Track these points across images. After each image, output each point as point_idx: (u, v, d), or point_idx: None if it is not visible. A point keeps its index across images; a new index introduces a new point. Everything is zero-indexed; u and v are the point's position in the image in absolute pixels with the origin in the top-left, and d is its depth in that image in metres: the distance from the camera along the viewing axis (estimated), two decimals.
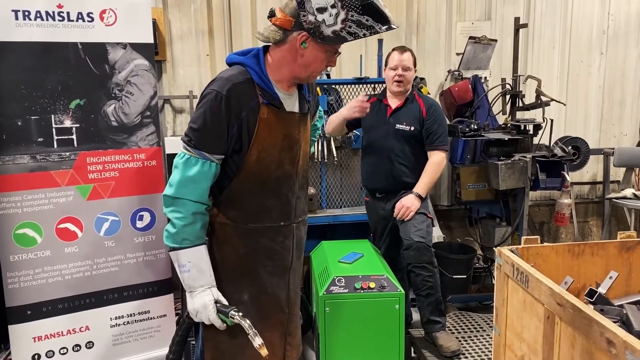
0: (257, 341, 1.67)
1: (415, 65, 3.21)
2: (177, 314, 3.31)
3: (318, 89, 3.89)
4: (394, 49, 3.22)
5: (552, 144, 3.74)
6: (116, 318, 3.04)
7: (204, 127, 1.76)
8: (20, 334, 2.85)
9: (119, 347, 2.97)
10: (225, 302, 1.80)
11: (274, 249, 1.93)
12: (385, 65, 3.25)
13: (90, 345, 3.00)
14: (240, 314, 1.73)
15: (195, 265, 1.78)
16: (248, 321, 1.70)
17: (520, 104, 3.87)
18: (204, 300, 1.77)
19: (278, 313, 1.98)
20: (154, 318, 3.14)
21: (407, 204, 3.06)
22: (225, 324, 1.78)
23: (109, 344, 2.97)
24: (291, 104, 1.92)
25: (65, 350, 2.96)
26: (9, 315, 2.84)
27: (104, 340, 2.98)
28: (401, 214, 3.06)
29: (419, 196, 3.08)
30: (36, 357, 2.89)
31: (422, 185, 3.12)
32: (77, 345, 2.97)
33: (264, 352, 1.66)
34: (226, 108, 1.74)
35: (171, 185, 1.77)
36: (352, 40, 1.79)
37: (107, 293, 3.02)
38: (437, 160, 3.15)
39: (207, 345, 1.92)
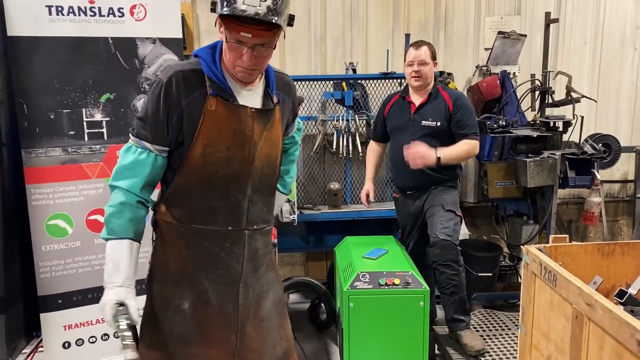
0: (127, 355, 1.55)
1: (434, 58, 3.15)
2: None
3: (344, 84, 3.88)
4: (410, 45, 3.18)
5: (582, 141, 3.66)
6: (144, 309, 3.09)
7: (144, 115, 1.67)
8: (52, 322, 2.93)
9: None
10: (133, 307, 1.61)
11: (219, 255, 1.75)
12: (405, 60, 3.23)
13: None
14: (128, 322, 1.57)
15: (112, 260, 1.64)
16: (129, 333, 1.56)
17: (550, 101, 3.80)
18: (106, 298, 1.62)
19: (224, 329, 1.78)
20: None
21: (420, 154, 2.94)
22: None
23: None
24: (250, 99, 1.73)
25: (94, 339, 3.03)
26: (40, 303, 2.92)
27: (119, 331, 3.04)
28: (409, 159, 2.96)
29: (438, 158, 2.96)
30: (66, 345, 2.97)
31: (446, 151, 3.00)
32: (105, 334, 3.04)
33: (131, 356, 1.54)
34: (165, 96, 1.63)
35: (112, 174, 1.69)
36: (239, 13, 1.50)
37: (135, 284, 3.07)
38: (470, 141, 3.05)
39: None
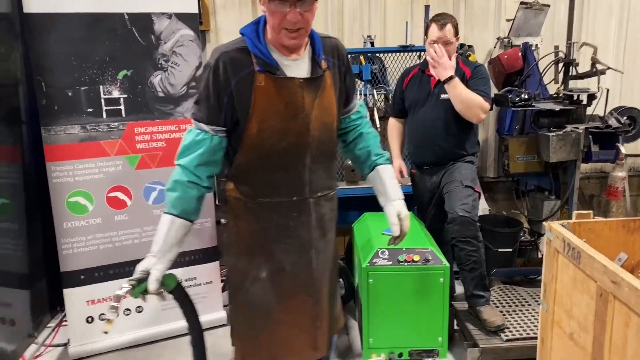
0: (107, 315, 1.63)
1: (457, 34, 3.06)
2: (222, 281, 3.38)
3: (362, 57, 3.82)
4: (432, 20, 3.05)
5: (606, 114, 3.58)
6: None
7: (199, 99, 1.76)
8: (74, 297, 2.98)
9: (167, 312, 3.07)
10: (153, 277, 1.68)
11: (287, 225, 1.84)
12: (425, 34, 3.14)
13: (140, 309, 3.11)
14: (127, 288, 1.65)
15: (157, 231, 1.76)
16: (121, 295, 1.64)
17: (574, 73, 3.70)
18: (139, 263, 1.73)
19: (301, 295, 1.88)
20: (200, 284, 3.23)
21: (443, 62, 2.93)
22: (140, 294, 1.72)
23: (158, 308, 3.07)
24: (297, 69, 1.75)
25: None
26: (63, 279, 2.97)
27: (153, 305, 3.08)
28: (431, 56, 2.96)
29: (450, 77, 2.92)
30: (90, 319, 3.03)
31: (461, 85, 2.95)
32: (127, 309, 3.09)
33: (105, 327, 1.63)
34: (214, 79, 1.69)
35: None
36: None
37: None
38: (482, 98, 2.96)
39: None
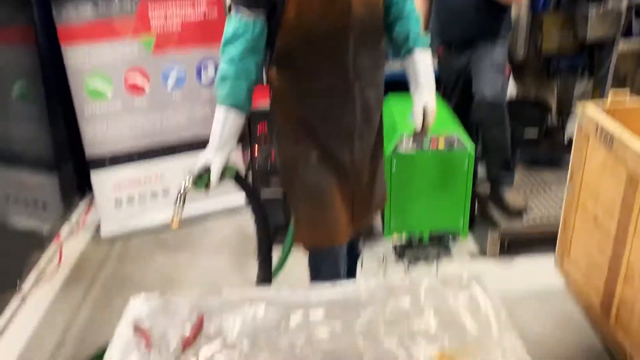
0: (173, 211, 1.70)
1: None
2: (245, 165, 3.40)
3: None
4: None
5: None
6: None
7: None
8: (101, 181, 3.06)
9: (193, 193, 3.13)
10: (214, 170, 1.73)
11: (331, 110, 1.80)
12: None
13: (166, 193, 3.18)
14: (189, 182, 1.71)
15: (213, 124, 1.75)
16: (184, 193, 1.71)
17: None
18: (199, 158, 1.76)
19: (342, 179, 1.89)
20: None
21: None
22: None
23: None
24: None
25: (143, 197, 3.16)
26: (89, 163, 3.02)
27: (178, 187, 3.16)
28: None
29: None
30: (117, 202, 3.12)
31: None
32: (154, 192, 3.16)
33: (174, 224, 1.69)
34: None
35: None
36: None
37: (178, 143, 3.13)
38: None
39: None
